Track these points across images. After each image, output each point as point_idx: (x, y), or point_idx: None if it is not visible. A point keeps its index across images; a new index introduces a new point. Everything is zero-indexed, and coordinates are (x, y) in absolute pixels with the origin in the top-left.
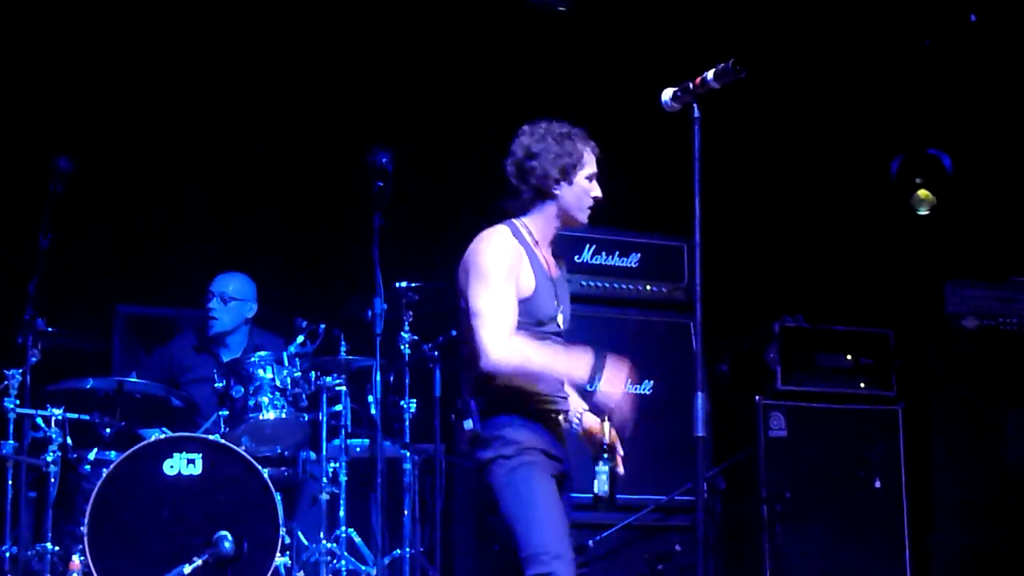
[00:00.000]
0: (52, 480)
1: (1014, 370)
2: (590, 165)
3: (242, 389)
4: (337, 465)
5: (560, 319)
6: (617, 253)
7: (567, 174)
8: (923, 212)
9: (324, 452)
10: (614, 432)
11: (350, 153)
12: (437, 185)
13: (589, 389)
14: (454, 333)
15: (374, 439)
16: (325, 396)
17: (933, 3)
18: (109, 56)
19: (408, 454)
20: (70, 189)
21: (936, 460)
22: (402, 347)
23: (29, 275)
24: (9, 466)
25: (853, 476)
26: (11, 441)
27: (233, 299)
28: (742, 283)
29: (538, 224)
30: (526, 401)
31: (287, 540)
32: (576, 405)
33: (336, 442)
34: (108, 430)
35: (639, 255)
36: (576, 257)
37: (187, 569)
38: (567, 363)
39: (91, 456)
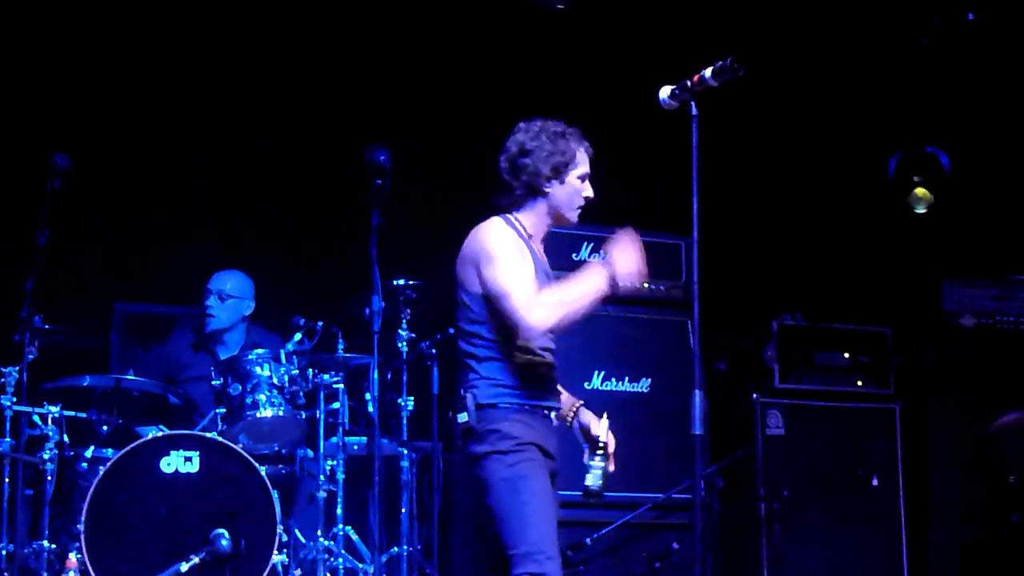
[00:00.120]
0: (49, 478)
1: (1012, 368)
2: (583, 165)
3: (239, 387)
4: (334, 463)
5: None
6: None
7: (559, 172)
8: (921, 210)
9: (321, 450)
10: (611, 433)
11: (349, 151)
12: (436, 183)
13: (618, 286)
14: (451, 331)
15: (371, 437)
16: (322, 394)
17: (931, 2)
18: (107, 54)
19: (405, 452)
20: (68, 187)
21: (934, 458)
22: (400, 345)
23: (27, 272)
24: (6, 463)
25: (851, 474)
26: (8, 438)
27: (230, 297)
28: (740, 281)
29: (530, 220)
30: (520, 396)
31: (284, 538)
32: (572, 401)
33: (333, 440)
34: (105, 428)
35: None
36: (573, 255)
37: (184, 567)
38: (588, 284)
39: (88, 454)
